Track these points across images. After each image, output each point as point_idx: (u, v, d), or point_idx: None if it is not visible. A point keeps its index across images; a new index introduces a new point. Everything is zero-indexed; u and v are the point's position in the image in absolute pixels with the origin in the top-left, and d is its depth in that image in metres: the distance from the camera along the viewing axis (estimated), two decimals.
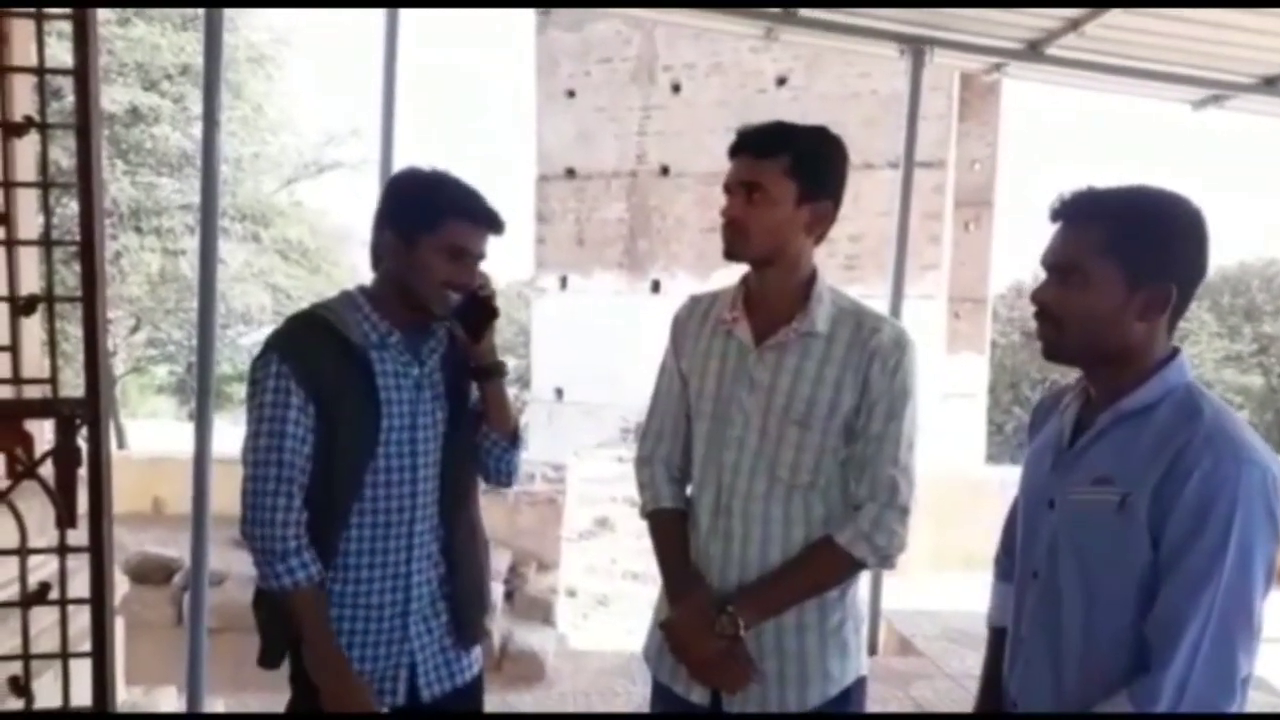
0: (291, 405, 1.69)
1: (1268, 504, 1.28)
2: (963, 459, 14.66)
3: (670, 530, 1.84)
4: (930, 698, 4.14)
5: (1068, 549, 1.44)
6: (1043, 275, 1.47)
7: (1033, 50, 3.95)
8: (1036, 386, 23.77)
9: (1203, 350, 27.70)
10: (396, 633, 1.81)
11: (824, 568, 1.71)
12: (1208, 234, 1.37)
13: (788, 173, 1.68)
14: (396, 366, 1.78)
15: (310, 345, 1.72)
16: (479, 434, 1.93)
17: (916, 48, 3.92)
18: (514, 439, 1.95)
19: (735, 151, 1.73)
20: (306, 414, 1.70)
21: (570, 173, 17.26)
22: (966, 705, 1.76)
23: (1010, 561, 1.65)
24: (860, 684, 1.79)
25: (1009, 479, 1.73)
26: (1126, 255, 1.35)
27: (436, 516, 1.84)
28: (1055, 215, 1.43)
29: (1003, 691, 1.61)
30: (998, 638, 1.67)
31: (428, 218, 1.75)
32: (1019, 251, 19.56)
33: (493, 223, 1.79)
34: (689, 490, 1.87)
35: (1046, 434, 1.56)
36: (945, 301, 16.32)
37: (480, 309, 1.83)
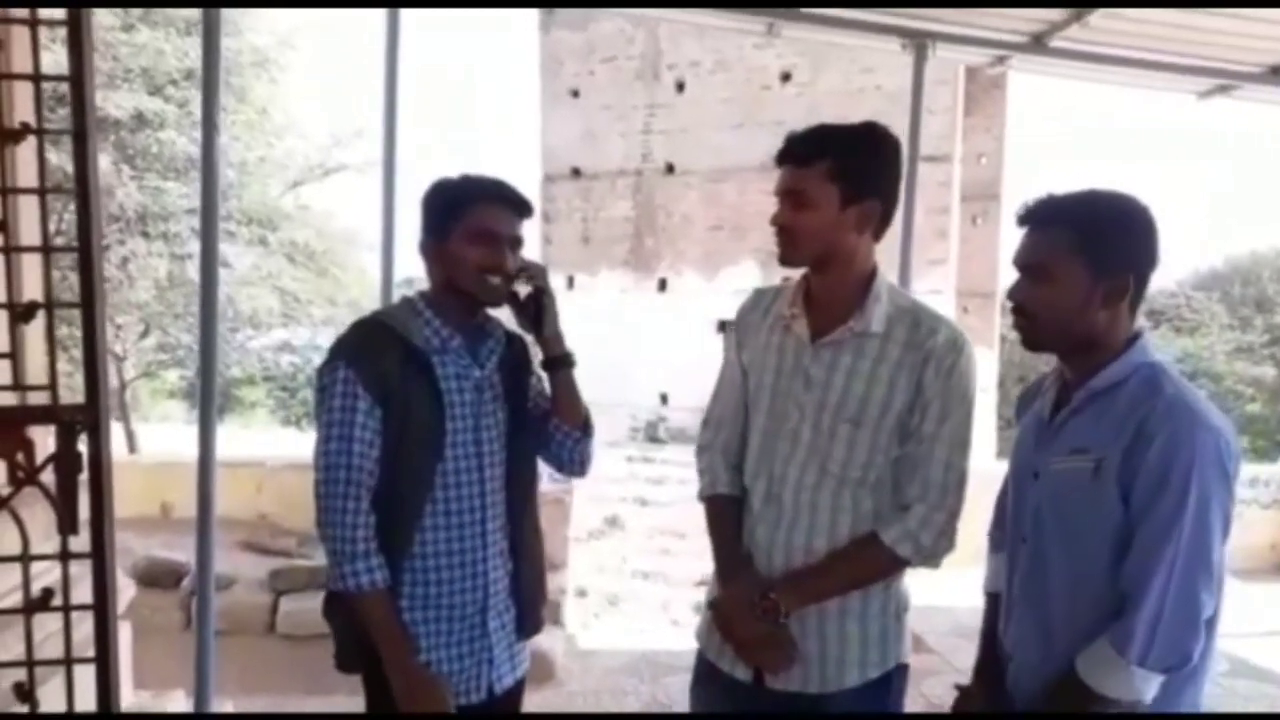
0: (359, 410, 1.72)
1: (1221, 463, 1.46)
2: (973, 453, 14.61)
3: (724, 515, 1.89)
4: (941, 694, 4.12)
5: (1051, 514, 1.60)
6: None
7: (1037, 43, 3.92)
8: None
9: (1214, 342, 27.57)
10: (477, 630, 1.85)
11: (867, 563, 1.76)
12: (1157, 227, 1.56)
13: (829, 177, 1.71)
14: (458, 369, 1.82)
15: (375, 350, 1.76)
16: (550, 425, 1.96)
17: (919, 42, 3.89)
18: (585, 428, 1.98)
19: (780, 160, 1.76)
20: (373, 418, 1.73)
21: (575, 172, 17.26)
22: None
23: (1003, 534, 1.80)
24: (901, 671, 1.83)
25: None
26: (1090, 252, 1.53)
27: (505, 515, 1.88)
28: (1021, 221, 1.60)
29: (999, 647, 1.75)
30: (993, 602, 1.82)
31: (454, 209, 1.79)
32: None
33: (517, 203, 1.83)
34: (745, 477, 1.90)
35: (1031, 414, 1.74)
36: (954, 296, 16.28)
37: (533, 300, 1.87)
